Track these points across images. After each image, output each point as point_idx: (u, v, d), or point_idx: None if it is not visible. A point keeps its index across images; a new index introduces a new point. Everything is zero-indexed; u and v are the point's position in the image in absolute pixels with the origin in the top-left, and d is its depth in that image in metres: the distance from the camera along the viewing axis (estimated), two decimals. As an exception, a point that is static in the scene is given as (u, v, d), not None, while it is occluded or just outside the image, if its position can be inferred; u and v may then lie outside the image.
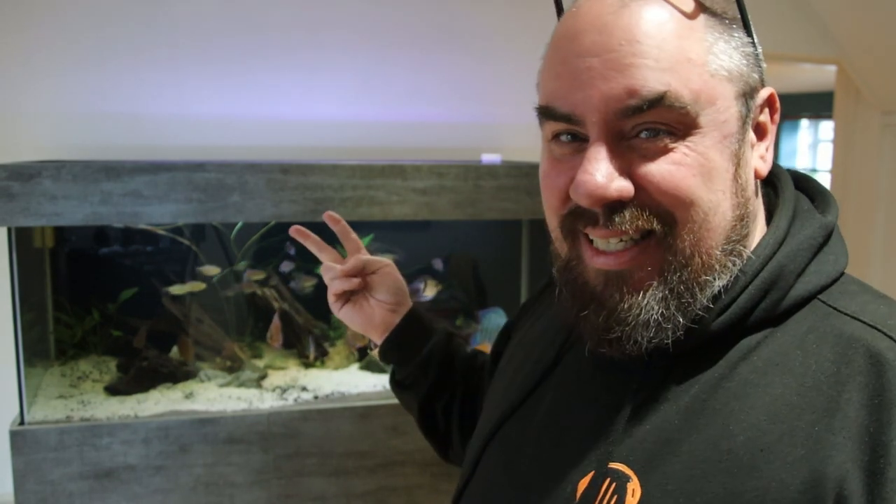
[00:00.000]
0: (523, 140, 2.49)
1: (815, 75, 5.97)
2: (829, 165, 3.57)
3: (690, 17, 0.54)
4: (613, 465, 0.57)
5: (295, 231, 0.95)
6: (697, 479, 0.52)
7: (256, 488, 1.95)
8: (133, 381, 2.07)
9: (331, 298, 0.94)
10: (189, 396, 2.04)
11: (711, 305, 0.56)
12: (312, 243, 0.96)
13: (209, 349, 2.23)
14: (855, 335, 0.53)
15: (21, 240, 1.83)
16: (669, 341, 0.56)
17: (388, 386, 2.19)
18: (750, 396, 0.54)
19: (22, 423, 1.84)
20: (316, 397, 2.08)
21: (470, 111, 2.53)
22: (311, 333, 2.29)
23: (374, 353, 0.96)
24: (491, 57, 2.53)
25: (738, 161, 0.56)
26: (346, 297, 0.94)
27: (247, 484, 1.95)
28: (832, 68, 3.41)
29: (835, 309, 0.56)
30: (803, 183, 0.65)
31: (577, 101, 0.55)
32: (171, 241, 2.24)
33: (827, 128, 8.21)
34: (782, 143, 8.74)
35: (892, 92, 3.18)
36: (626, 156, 0.55)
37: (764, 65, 0.58)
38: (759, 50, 0.58)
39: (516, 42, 2.51)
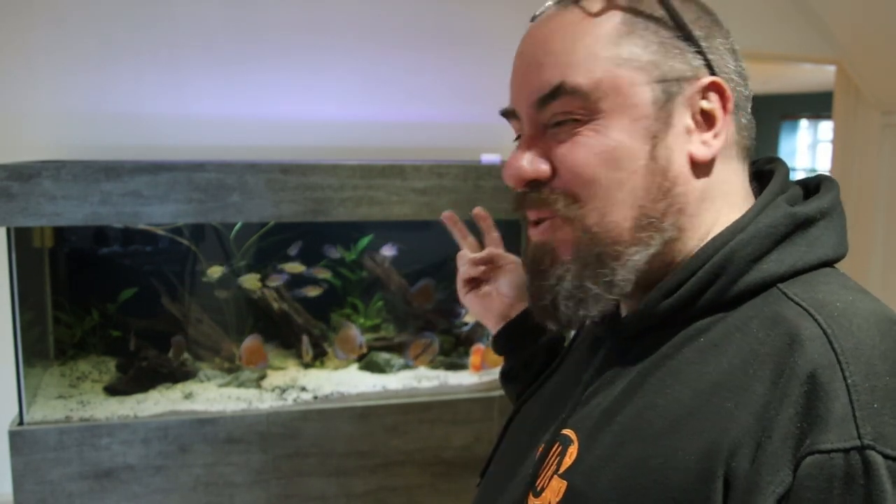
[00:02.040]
0: (523, 140, 2.49)
1: (815, 75, 5.97)
2: (828, 165, 3.57)
3: (596, 16, 0.61)
4: (565, 432, 0.63)
5: (447, 217, 1.05)
6: (619, 445, 0.57)
7: (256, 488, 1.95)
8: (132, 381, 2.07)
9: (459, 283, 1.02)
10: (188, 396, 2.04)
11: (630, 277, 0.60)
12: (458, 231, 1.05)
13: (208, 349, 2.23)
14: (787, 317, 0.54)
15: (21, 240, 1.83)
16: (596, 314, 0.61)
17: (388, 386, 2.20)
18: (684, 373, 0.57)
19: (21, 423, 1.84)
20: (315, 397, 2.08)
21: (470, 111, 2.53)
22: (310, 334, 2.29)
23: (488, 342, 1.02)
24: (491, 57, 2.53)
25: (655, 142, 0.60)
26: (473, 284, 1.01)
27: (246, 484, 1.95)
28: (832, 68, 3.41)
29: (786, 296, 0.56)
30: (821, 183, 0.66)
31: (513, 100, 0.65)
32: (171, 241, 2.24)
33: (826, 128, 8.21)
34: (782, 143, 8.74)
35: (892, 92, 3.18)
36: (548, 144, 0.62)
37: (713, 56, 0.61)
38: (707, 44, 0.61)
39: (516, 42, 2.50)
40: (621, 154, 0.59)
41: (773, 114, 8.48)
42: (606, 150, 0.59)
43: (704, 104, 0.61)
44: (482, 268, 1.00)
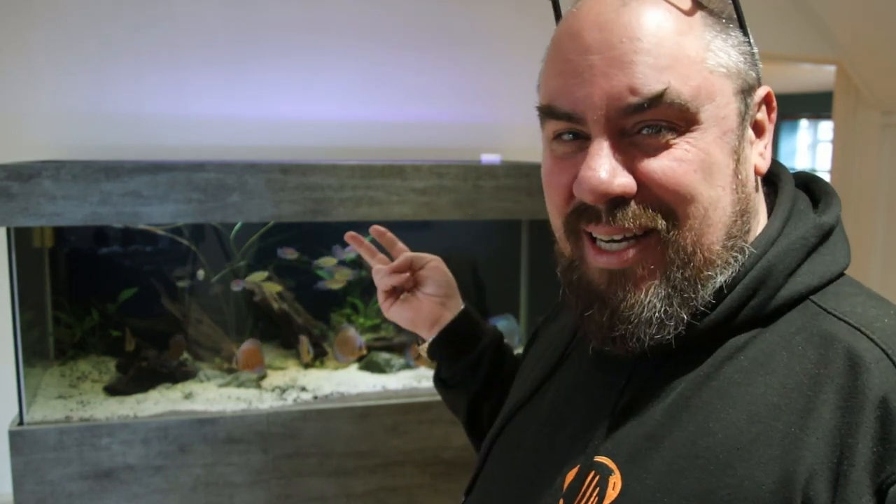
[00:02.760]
0: (523, 140, 2.49)
1: (815, 75, 5.97)
2: (828, 166, 3.56)
3: (688, 14, 0.55)
4: (599, 459, 0.58)
5: (350, 237, 0.97)
6: (675, 474, 0.53)
7: (256, 488, 1.95)
8: (132, 381, 2.07)
9: (380, 297, 0.95)
10: (188, 396, 2.04)
11: (714, 301, 0.56)
12: (365, 249, 0.98)
13: (208, 349, 2.23)
14: (838, 336, 0.53)
15: (20, 240, 1.83)
16: (672, 336, 0.56)
17: (388, 386, 2.19)
18: (732, 395, 0.54)
19: (21, 423, 1.84)
20: (315, 397, 2.08)
21: (470, 111, 2.53)
22: (310, 334, 2.29)
23: (423, 348, 0.95)
24: (491, 57, 2.53)
25: (737, 157, 0.56)
26: (396, 294, 0.94)
27: (246, 484, 1.95)
28: (832, 68, 3.41)
29: (824, 310, 0.55)
30: (811, 184, 0.65)
31: (578, 98, 0.55)
32: (171, 241, 2.24)
33: (826, 128, 8.21)
34: (782, 144, 8.73)
35: (892, 92, 3.18)
36: (629, 152, 0.55)
37: (760, 64, 0.59)
38: (756, 49, 0.59)
39: (516, 42, 2.51)
40: (716, 170, 0.55)
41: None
42: (706, 166, 0.54)
43: (759, 115, 0.59)
44: (405, 275, 0.93)
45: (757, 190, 0.60)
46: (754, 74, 0.58)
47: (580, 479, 0.58)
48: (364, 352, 2.25)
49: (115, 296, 2.20)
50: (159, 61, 2.25)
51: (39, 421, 1.86)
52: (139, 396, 2.04)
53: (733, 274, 0.57)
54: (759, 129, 0.60)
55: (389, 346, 2.34)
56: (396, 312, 0.94)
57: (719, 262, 0.56)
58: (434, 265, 0.94)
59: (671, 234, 0.55)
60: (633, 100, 0.53)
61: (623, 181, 0.54)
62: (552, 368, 0.71)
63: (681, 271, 0.55)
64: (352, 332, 2.25)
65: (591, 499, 0.57)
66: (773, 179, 0.66)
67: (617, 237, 0.57)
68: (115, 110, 2.23)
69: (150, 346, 2.16)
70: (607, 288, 0.58)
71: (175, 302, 2.21)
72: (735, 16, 0.58)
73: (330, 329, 2.35)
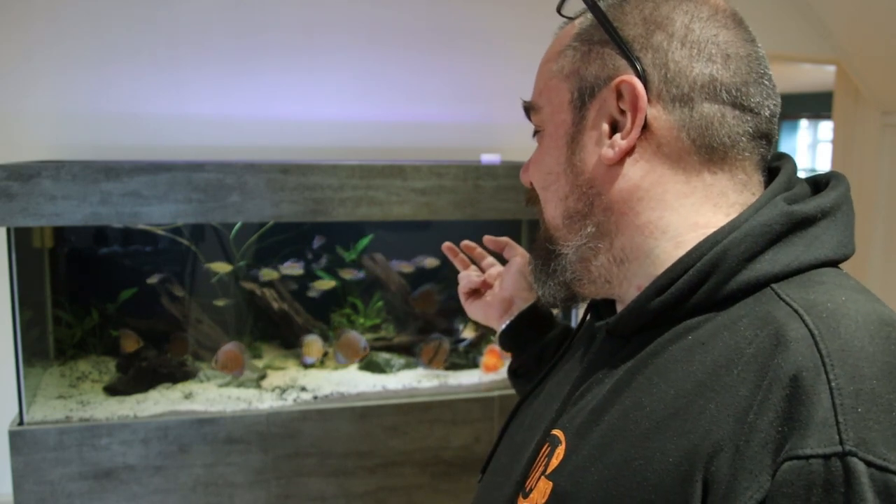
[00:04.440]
0: (523, 140, 2.48)
1: (815, 75, 5.97)
2: (828, 165, 3.56)
3: (558, 34, 0.68)
4: (554, 432, 0.63)
5: (447, 249, 1.10)
6: (605, 445, 0.56)
7: (256, 488, 1.95)
8: (132, 381, 2.07)
9: (462, 296, 1.08)
10: (188, 396, 2.04)
11: (565, 267, 0.67)
12: (460, 262, 1.11)
13: (208, 349, 2.23)
14: (776, 317, 0.52)
15: (20, 240, 1.83)
16: (556, 298, 0.68)
17: (387, 386, 2.20)
18: (670, 372, 0.55)
19: (21, 423, 1.84)
20: (315, 397, 2.08)
21: (470, 111, 2.53)
22: (310, 334, 2.29)
23: (495, 339, 1.07)
24: (491, 57, 2.53)
25: (572, 146, 0.65)
26: (475, 294, 1.06)
27: (246, 484, 1.95)
28: (831, 68, 3.41)
29: (779, 296, 0.54)
30: (831, 181, 0.64)
31: None
32: (171, 241, 2.24)
33: (826, 128, 8.21)
34: (782, 144, 8.74)
35: (892, 92, 3.18)
36: None
37: (641, 53, 0.60)
38: (643, 42, 0.60)
39: (516, 42, 2.51)
40: (550, 157, 0.67)
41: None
42: (539, 157, 0.68)
43: (623, 105, 0.61)
44: (477, 280, 1.05)
45: (625, 175, 0.62)
46: (598, 70, 0.62)
47: (536, 449, 0.64)
48: (367, 353, 2.25)
49: (115, 296, 2.20)
50: (159, 61, 2.25)
51: (39, 421, 1.86)
52: (139, 396, 2.04)
53: (579, 246, 0.65)
54: (619, 121, 0.62)
55: (389, 346, 2.34)
56: (471, 310, 1.06)
57: (558, 234, 0.67)
58: (518, 260, 1.04)
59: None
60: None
61: (525, 174, 0.73)
62: (564, 351, 0.78)
63: (541, 240, 0.70)
64: (354, 334, 2.25)
65: (540, 467, 0.62)
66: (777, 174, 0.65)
67: None
68: (115, 110, 2.23)
69: (150, 346, 2.16)
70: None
71: (175, 302, 2.21)
72: (599, 22, 0.64)
73: (331, 329, 2.35)
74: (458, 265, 1.09)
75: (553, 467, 0.60)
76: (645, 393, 0.56)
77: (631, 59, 0.60)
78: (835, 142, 3.49)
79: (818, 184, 0.65)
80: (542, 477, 0.60)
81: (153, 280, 2.19)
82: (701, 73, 0.59)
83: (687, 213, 0.61)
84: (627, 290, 0.63)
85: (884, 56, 3.01)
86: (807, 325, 0.50)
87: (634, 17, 0.61)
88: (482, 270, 1.08)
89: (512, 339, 0.99)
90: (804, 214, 0.58)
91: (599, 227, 0.63)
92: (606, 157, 0.62)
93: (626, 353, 0.61)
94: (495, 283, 1.04)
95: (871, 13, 2.85)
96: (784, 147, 8.76)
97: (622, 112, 0.61)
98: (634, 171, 0.61)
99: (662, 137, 0.60)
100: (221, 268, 2.21)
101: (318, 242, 2.29)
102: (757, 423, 0.48)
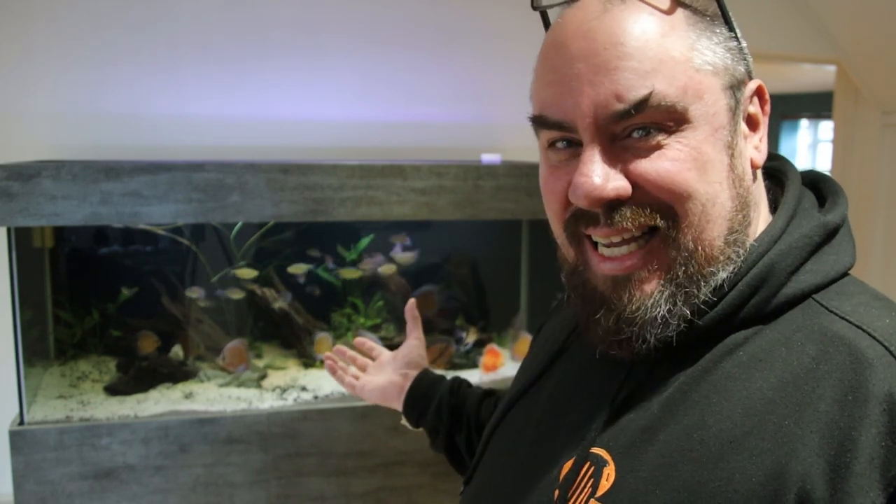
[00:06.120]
0: (523, 140, 2.49)
1: (815, 75, 5.97)
2: (828, 165, 3.56)
3: (670, 15, 0.56)
4: (595, 450, 0.59)
5: (327, 359, 1.16)
6: (668, 466, 0.54)
7: (256, 488, 1.95)
8: (133, 381, 2.07)
9: (348, 389, 1.14)
10: (189, 396, 2.04)
11: (715, 298, 0.57)
12: (348, 359, 1.17)
13: (209, 349, 2.23)
14: (839, 333, 0.53)
15: (21, 240, 1.83)
16: (673, 334, 0.57)
17: (387, 386, 2.19)
18: (729, 390, 0.54)
19: (21, 423, 1.84)
20: (316, 397, 2.08)
21: (470, 111, 2.53)
22: (311, 334, 2.29)
23: (403, 421, 1.10)
24: (491, 57, 2.53)
25: (732, 152, 0.57)
26: (355, 385, 1.12)
27: (246, 484, 1.95)
28: (832, 68, 3.41)
29: (827, 309, 0.55)
30: (819, 183, 0.65)
31: (567, 107, 0.57)
32: (171, 241, 2.24)
33: (827, 128, 8.21)
34: (782, 143, 8.73)
35: (892, 92, 3.18)
36: (621, 156, 0.56)
37: (750, 58, 0.60)
38: (745, 44, 0.59)
39: (516, 42, 2.50)
40: (710, 166, 0.55)
41: (773, 114, 8.39)
42: (699, 163, 0.55)
43: (752, 108, 0.60)
44: (354, 370, 1.13)
45: (755, 183, 0.61)
46: (743, 69, 0.58)
47: (576, 469, 0.59)
48: None
49: (116, 296, 2.20)
50: (159, 61, 2.25)
51: (40, 421, 1.86)
52: (139, 396, 2.04)
53: (735, 269, 0.57)
54: (752, 123, 0.60)
55: (390, 347, 2.33)
56: (369, 395, 1.11)
57: (721, 257, 0.56)
58: (393, 354, 1.11)
59: (671, 232, 0.56)
60: (620, 106, 0.54)
61: (617, 184, 0.55)
62: (551, 360, 0.72)
63: (683, 268, 0.56)
64: (369, 336, 2.25)
65: (586, 489, 0.58)
66: (778, 176, 0.66)
67: (616, 239, 0.57)
68: (115, 110, 2.23)
69: (161, 351, 2.16)
70: (612, 292, 0.59)
71: (175, 302, 2.21)
72: (720, 12, 0.58)
73: (331, 329, 2.34)
74: (348, 362, 1.16)
75: (605, 489, 0.57)
76: (706, 412, 0.54)
77: (745, 59, 0.59)
78: (835, 142, 3.49)
79: (815, 187, 0.66)
80: (593, 499, 0.57)
81: (155, 281, 2.20)
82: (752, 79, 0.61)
83: (765, 214, 0.62)
84: None
85: (884, 56, 3.01)
86: (879, 342, 0.51)
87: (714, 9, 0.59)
88: (372, 359, 1.15)
89: (412, 410, 1.05)
90: (835, 224, 0.59)
91: (747, 239, 0.58)
92: (757, 160, 0.59)
93: (669, 369, 0.58)
94: (378, 371, 1.10)
95: (871, 13, 2.85)
96: (784, 147, 8.76)
97: (748, 115, 0.60)
98: (758, 174, 0.61)
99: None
100: (247, 273, 2.22)
101: (399, 246, 2.32)
102: (854, 438, 0.48)
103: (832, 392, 0.50)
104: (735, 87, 0.57)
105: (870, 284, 0.60)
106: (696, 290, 0.56)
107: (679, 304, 0.56)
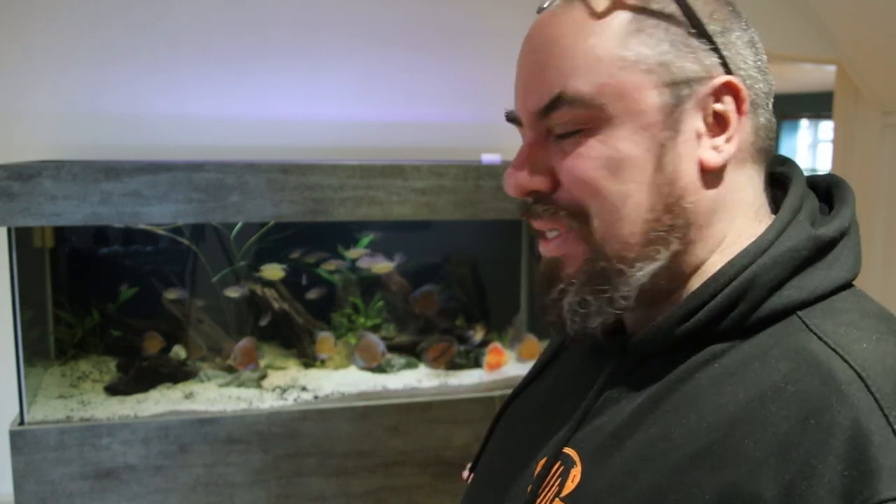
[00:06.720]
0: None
1: (815, 75, 5.97)
2: (828, 166, 3.57)
3: (602, 17, 0.57)
4: (566, 450, 0.60)
5: None
6: (629, 474, 0.54)
7: (256, 488, 1.95)
8: (133, 381, 2.07)
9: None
10: (189, 396, 2.05)
11: (632, 294, 0.58)
12: None
13: (209, 349, 2.23)
14: (814, 353, 0.52)
15: (21, 240, 1.83)
16: (596, 325, 0.59)
17: (388, 386, 2.20)
18: (698, 402, 0.54)
19: (22, 423, 1.84)
20: (316, 397, 2.08)
21: (470, 111, 2.53)
22: (311, 334, 2.29)
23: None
24: (491, 57, 2.53)
25: (661, 151, 0.56)
26: None
27: (246, 484, 1.95)
28: (832, 68, 3.41)
29: (807, 327, 0.54)
30: (833, 189, 0.63)
31: (516, 105, 0.63)
32: (171, 241, 2.24)
33: (826, 128, 8.21)
34: (782, 143, 8.74)
35: (892, 92, 3.18)
36: (551, 153, 0.59)
37: (727, 53, 0.58)
38: (723, 40, 0.58)
39: (516, 42, 2.49)
40: (627, 165, 0.56)
41: (773, 114, 8.47)
42: (613, 162, 0.56)
43: (718, 106, 0.57)
44: None
45: (718, 183, 0.59)
46: (693, 66, 0.57)
47: (548, 467, 0.61)
48: (384, 357, 2.26)
49: (116, 296, 2.20)
50: (159, 61, 2.25)
51: (40, 421, 1.86)
52: (139, 396, 2.04)
53: (655, 268, 0.57)
54: (722, 122, 0.58)
55: (391, 347, 2.34)
56: None
57: (632, 255, 0.57)
58: None
59: (584, 227, 0.58)
60: (539, 105, 0.58)
61: (538, 178, 0.59)
62: (554, 353, 0.74)
63: (591, 264, 0.58)
64: (372, 338, 2.25)
65: (553, 488, 0.59)
66: (783, 181, 0.64)
67: (549, 231, 0.61)
68: (115, 110, 2.23)
69: (165, 351, 2.16)
70: (541, 276, 0.63)
71: (175, 301, 2.22)
72: (681, 10, 0.58)
73: (332, 329, 2.35)
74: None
75: (569, 490, 0.57)
76: (673, 423, 0.54)
77: (723, 58, 0.57)
78: (835, 142, 3.49)
79: (816, 186, 0.64)
80: (557, 499, 0.58)
81: (161, 286, 2.20)
82: (765, 79, 0.60)
83: (741, 221, 0.60)
84: (662, 308, 0.60)
85: (884, 56, 3.01)
86: (852, 367, 0.50)
87: (706, 10, 0.58)
88: None
89: None
90: (829, 238, 0.57)
91: (680, 242, 0.58)
92: (710, 161, 0.57)
93: (645, 376, 0.59)
94: None
95: (871, 13, 2.85)
96: (784, 147, 8.76)
97: (716, 115, 0.58)
98: (733, 178, 0.59)
99: (742, 142, 0.59)
100: (275, 273, 2.22)
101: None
102: (814, 465, 0.47)
103: (797, 414, 0.49)
104: (678, 84, 0.56)
105: (869, 285, 0.59)
106: (606, 286, 0.58)
107: (589, 296, 0.58)
